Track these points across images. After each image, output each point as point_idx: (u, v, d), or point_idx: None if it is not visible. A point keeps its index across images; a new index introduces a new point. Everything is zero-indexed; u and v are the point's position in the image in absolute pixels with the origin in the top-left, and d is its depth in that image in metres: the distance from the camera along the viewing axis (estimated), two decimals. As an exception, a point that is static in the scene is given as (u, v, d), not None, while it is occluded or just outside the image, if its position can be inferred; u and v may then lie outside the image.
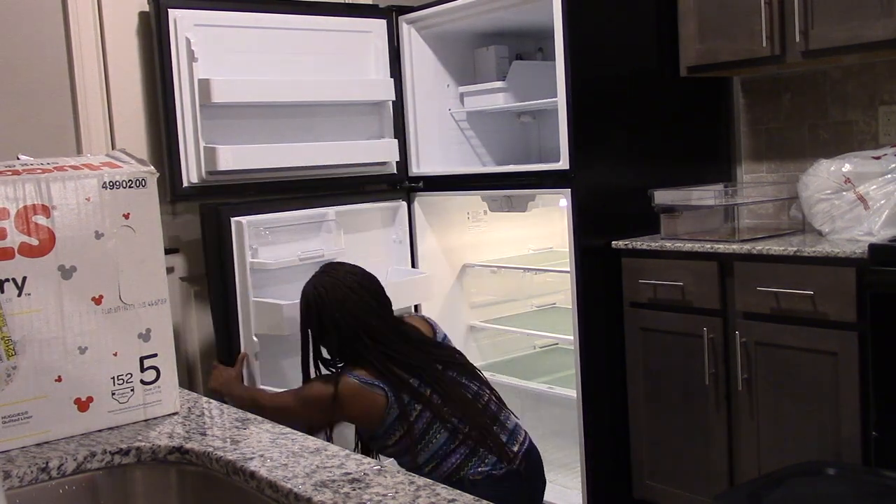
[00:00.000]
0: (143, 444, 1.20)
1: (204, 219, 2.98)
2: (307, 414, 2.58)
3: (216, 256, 2.97)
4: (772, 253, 2.59)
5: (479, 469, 2.35)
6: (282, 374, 3.13)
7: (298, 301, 2.81)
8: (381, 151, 3.38)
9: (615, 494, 3.05)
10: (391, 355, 2.44)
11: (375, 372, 2.42)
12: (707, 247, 2.75)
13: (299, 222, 3.15)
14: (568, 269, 2.97)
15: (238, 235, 2.95)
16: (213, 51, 2.98)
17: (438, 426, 2.38)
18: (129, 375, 1.29)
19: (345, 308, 2.51)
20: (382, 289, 2.63)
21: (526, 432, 2.52)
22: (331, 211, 3.20)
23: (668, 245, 2.84)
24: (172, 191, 2.96)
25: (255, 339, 3.00)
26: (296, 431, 1.21)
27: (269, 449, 1.13)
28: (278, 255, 3.08)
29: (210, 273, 3.01)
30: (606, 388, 3.01)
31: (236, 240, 2.96)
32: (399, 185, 3.49)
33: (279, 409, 2.61)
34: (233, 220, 2.95)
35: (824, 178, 2.72)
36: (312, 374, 2.63)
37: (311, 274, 2.95)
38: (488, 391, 2.54)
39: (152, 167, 1.32)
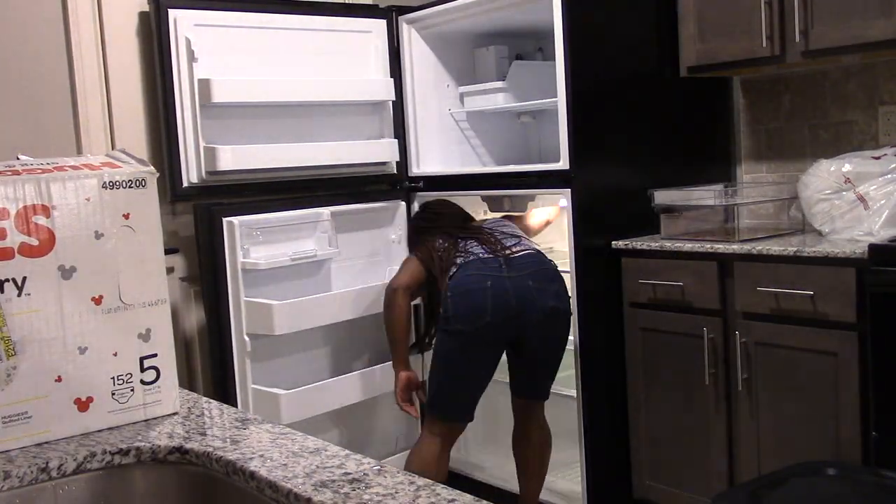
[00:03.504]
0: (143, 444, 1.20)
1: (197, 219, 2.99)
2: None
3: (208, 256, 2.98)
4: (772, 253, 2.59)
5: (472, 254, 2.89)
6: (274, 374, 3.14)
7: (289, 301, 2.95)
8: (381, 151, 3.38)
9: (615, 494, 3.05)
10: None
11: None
12: (707, 247, 2.75)
13: (292, 223, 3.16)
14: (568, 269, 2.97)
15: (230, 236, 2.96)
16: (213, 51, 2.98)
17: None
18: (129, 375, 1.29)
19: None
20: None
21: (532, 250, 2.91)
22: (325, 211, 3.20)
23: (668, 245, 2.84)
24: (172, 191, 2.96)
25: (246, 338, 3.01)
26: (296, 432, 1.21)
27: (269, 449, 1.13)
28: (271, 255, 3.09)
29: (203, 273, 3.01)
30: (606, 388, 3.02)
31: (228, 240, 2.96)
32: (399, 185, 3.49)
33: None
34: (224, 220, 2.96)
35: (824, 178, 2.72)
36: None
37: (303, 274, 3.13)
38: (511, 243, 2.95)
39: (152, 167, 1.32)
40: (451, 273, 2.88)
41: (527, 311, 2.77)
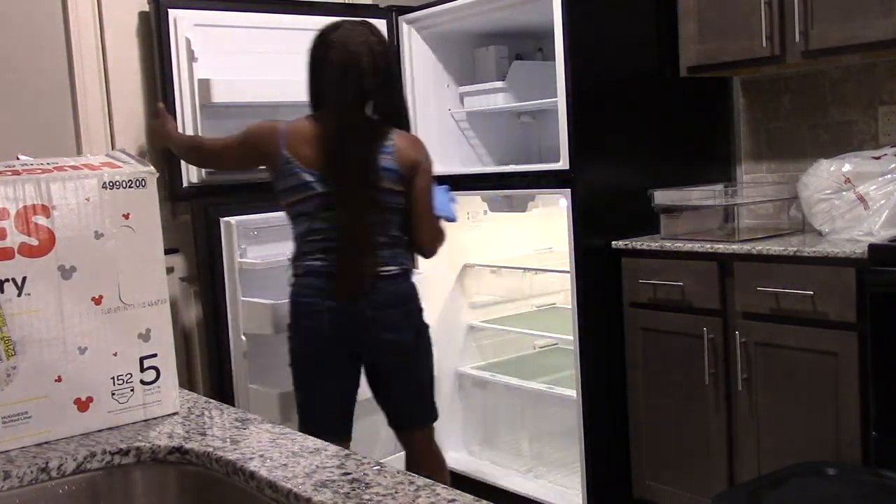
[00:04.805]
0: (143, 444, 1.20)
1: (195, 219, 2.99)
2: (239, 151, 2.64)
3: (207, 256, 2.98)
4: (772, 253, 2.59)
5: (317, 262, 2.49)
6: (270, 373, 3.13)
7: (285, 301, 2.73)
8: (381, 151, 3.37)
9: (615, 494, 3.05)
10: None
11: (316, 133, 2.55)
12: (707, 247, 2.75)
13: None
14: (568, 269, 2.97)
15: (227, 235, 2.96)
16: (213, 51, 2.98)
17: (317, 218, 2.49)
18: (129, 375, 1.29)
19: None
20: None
21: (391, 269, 2.55)
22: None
23: (668, 245, 2.84)
24: (172, 191, 2.96)
25: (243, 338, 3.01)
26: (295, 432, 1.21)
27: (269, 449, 1.13)
28: (268, 255, 3.09)
29: (201, 273, 3.02)
30: (606, 388, 3.02)
31: (225, 240, 2.97)
32: (399, 185, 3.48)
33: (217, 149, 2.71)
34: (222, 220, 2.96)
35: (824, 178, 2.72)
36: None
37: None
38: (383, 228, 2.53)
39: (152, 167, 1.32)
40: (295, 251, 2.57)
41: (367, 343, 2.53)
